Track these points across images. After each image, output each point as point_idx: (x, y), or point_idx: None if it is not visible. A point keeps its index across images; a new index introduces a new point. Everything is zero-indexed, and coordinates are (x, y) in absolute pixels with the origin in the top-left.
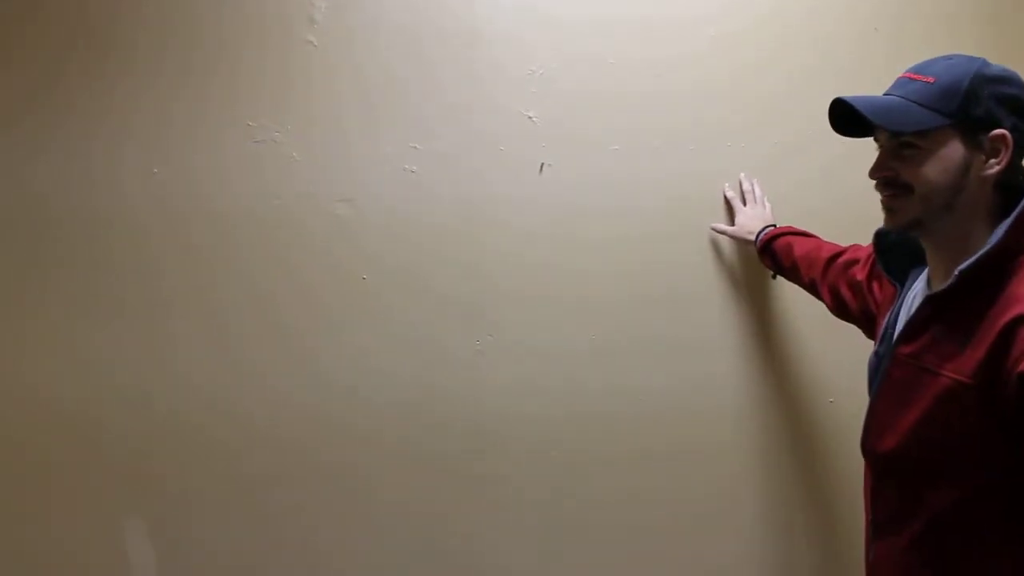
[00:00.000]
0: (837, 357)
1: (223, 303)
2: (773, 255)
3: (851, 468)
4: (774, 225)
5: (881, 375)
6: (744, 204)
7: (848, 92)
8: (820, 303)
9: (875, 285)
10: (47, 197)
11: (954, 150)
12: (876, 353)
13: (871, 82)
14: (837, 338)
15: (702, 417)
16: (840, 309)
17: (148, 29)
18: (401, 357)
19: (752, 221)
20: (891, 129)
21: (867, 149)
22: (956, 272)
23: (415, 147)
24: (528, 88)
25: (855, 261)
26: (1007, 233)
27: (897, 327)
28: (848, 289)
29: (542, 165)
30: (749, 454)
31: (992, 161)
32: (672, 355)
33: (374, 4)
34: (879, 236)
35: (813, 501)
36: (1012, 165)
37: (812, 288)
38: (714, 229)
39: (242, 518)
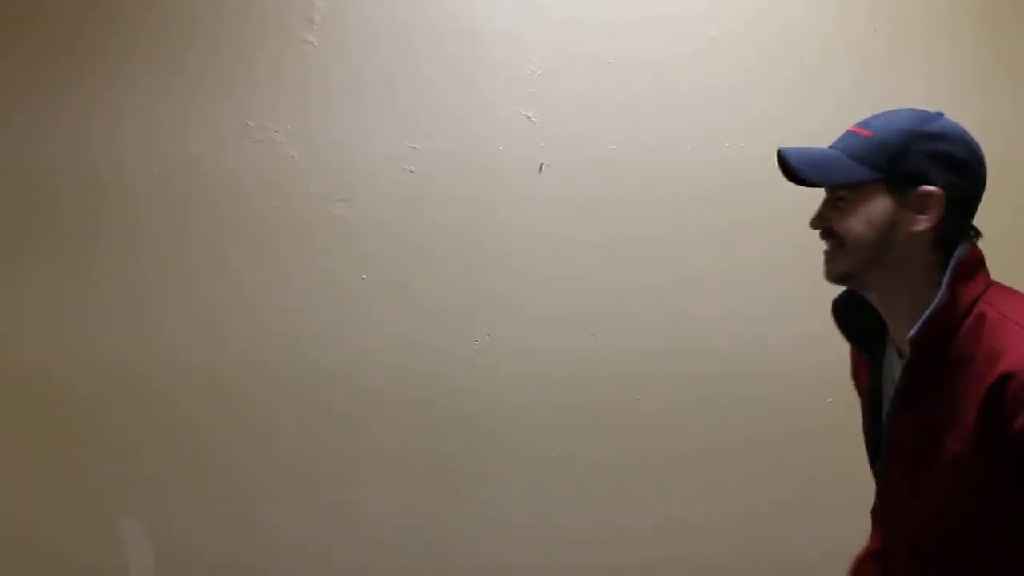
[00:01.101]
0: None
1: (221, 302)
2: None
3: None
4: None
5: (886, 452)
6: None
7: (847, 93)
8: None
9: (861, 370)
10: (43, 196)
11: (882, 204)
12: (867, 432)
13: (870, 83)
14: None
15: (701, 419)
16: None
17: (147, 29)
18: (399, 356)
19: None
20: (813, 182)
21: None
22: (908, 341)
23: (414, 147)
24: (527, 88)
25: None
26: (948, 290)
27: (884, 398)
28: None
29: (541, 165)
30: (749, 460)
31: (921, 217)
32: (671, 356)
33: (373, 5)
34: (836, 305)
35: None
36: (953, 222)
37: None
38: None
39: (237, 519)
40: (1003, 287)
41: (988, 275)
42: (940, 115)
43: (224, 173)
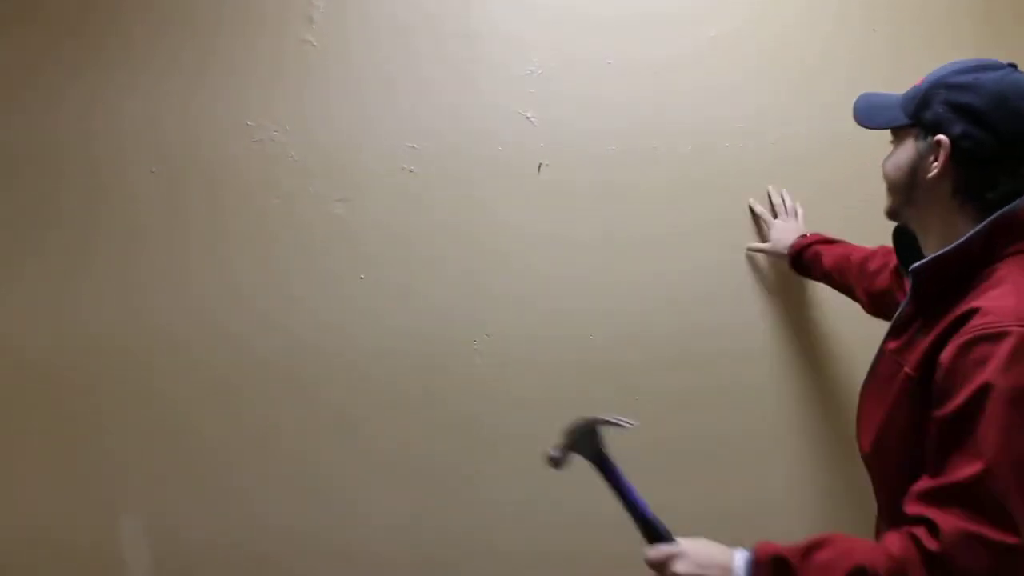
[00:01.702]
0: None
1: (220, 301)
2: (804, 267)
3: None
4: (805, 235)
5: (869, 371)
6: (775, 217)
7: (847, 93)
8: (832, 298)
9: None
10: (48, 192)
11: (907, 149)
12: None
13: (870, 83)
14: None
15: (705, 421)
16: (877, 311)
17: (146, 27)
18: (398, 356)
19: (785, 234)
20: (862, 124)
21: (867, 150)
22: (909, 270)
23: (413, 147)
24: (526, 88)
25: (883, 267)
26: (968, 240)
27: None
28: (881, 295)
29: (540, 165)
30: (756, 463)
31: (934, 164)
32: (669, 355)
33: (372, 4)
34: (896, 234)
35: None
36: (971, 172)
37: (850, 294)
38: (750, 249)
39: (235, 524)
40: None
41: None
42: (998, 66)
43: (223, 172)
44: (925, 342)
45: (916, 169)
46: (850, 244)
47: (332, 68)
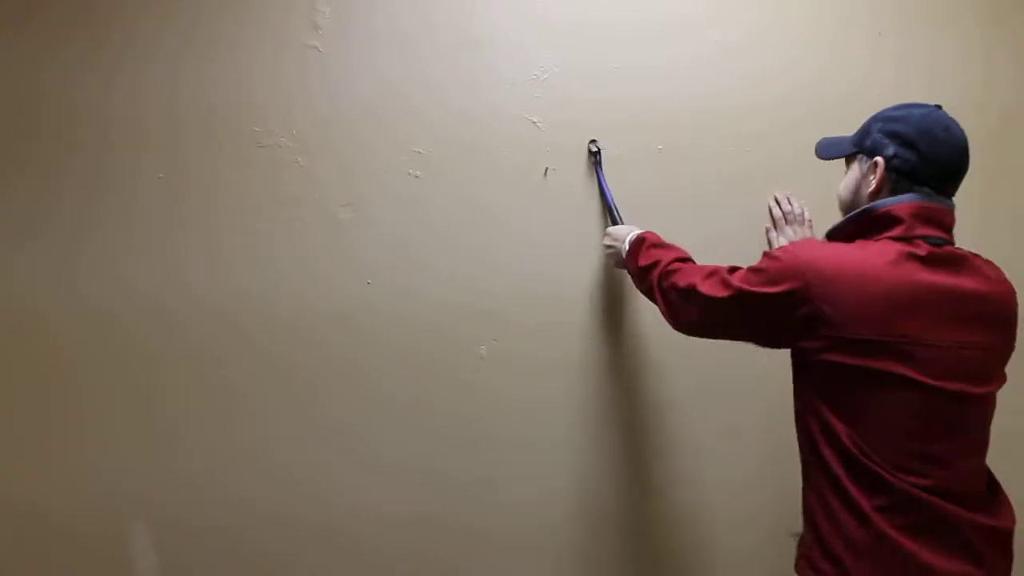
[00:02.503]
0: None
1: (226, 307)
2: None
3: None
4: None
5: None
6: (786, 223)
7: (852, 97)
8: None
9: None
10: (49, 199)
11: (853, 172)
12: None
13: (876, 85)
14: None
15: (710, 423)
16: None
17: (150, 31)
18: (404, 361)
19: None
20: (821, 157)
21: None
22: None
23: (418, 152)
24: (532, 93)
25: None
26: (840, 224)
27: None
28: None
29: (546, 169)
30: (762, 462)
31: (870, 180)
32: (677, 360)
33: (378, 11)
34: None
35: None
36: (903, 186)
37: None
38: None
39: (246, 515)
40: (875, 242)
41: (897, 230)
42: (925, 105)
43: (229, 178)
44: None
45: (859, 186)
46: None
47: (338, 74)
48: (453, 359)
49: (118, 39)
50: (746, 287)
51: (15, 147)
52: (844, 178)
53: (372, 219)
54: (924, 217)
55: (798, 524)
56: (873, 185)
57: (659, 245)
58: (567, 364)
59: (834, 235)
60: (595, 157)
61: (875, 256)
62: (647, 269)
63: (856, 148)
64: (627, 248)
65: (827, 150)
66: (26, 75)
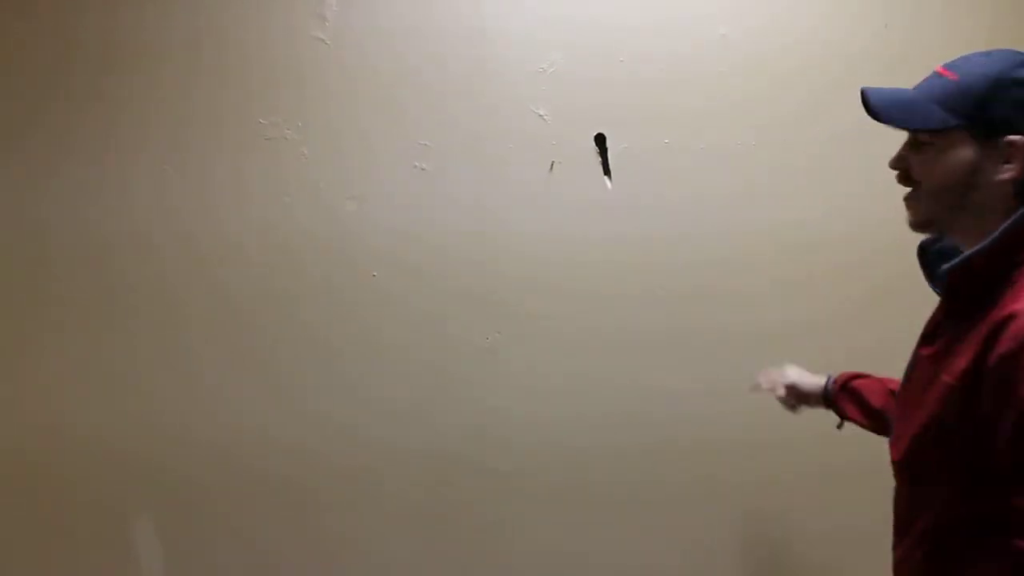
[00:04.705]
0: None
1: (232, 299)
2: (857, 395)
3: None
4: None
5: (904, 378)
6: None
7: (855, 89)
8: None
9: None
10: (60, 193)
11: (964, 152)
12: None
13: (883, 75)
14: (863, 337)
15: (714, 415)
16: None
17: (158, 26)
18: (411, 353)
19: (806, 375)
20: (893, 125)
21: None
22: (942, 270)
23: (425, 144)
24: (539, 86)
25: None
26: (998, 236)
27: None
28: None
29: (552, 163)
30: (762, 452)
31: (1006, 167)
32: (684, 353)
33: (384, 3)
34: (922, 249)
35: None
36: None
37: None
38: (766, 387)
39: (253, 517)
40: None
41: None
42: None
43: (235, 170)
44: (966, 349)
45: (976, 172)
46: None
47: (344, 66)
48: (458, 350)
49: (128, 42)
50: None
51: None
52: (933, 157)
53: (378, 211)
54: None
55: None
56: (1011, 172)
57: None
58: (573, 356)
59: (987, 257)
60: (602, 151)
61: None
62: None
63: (968, 120)
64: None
65: (907, 114)
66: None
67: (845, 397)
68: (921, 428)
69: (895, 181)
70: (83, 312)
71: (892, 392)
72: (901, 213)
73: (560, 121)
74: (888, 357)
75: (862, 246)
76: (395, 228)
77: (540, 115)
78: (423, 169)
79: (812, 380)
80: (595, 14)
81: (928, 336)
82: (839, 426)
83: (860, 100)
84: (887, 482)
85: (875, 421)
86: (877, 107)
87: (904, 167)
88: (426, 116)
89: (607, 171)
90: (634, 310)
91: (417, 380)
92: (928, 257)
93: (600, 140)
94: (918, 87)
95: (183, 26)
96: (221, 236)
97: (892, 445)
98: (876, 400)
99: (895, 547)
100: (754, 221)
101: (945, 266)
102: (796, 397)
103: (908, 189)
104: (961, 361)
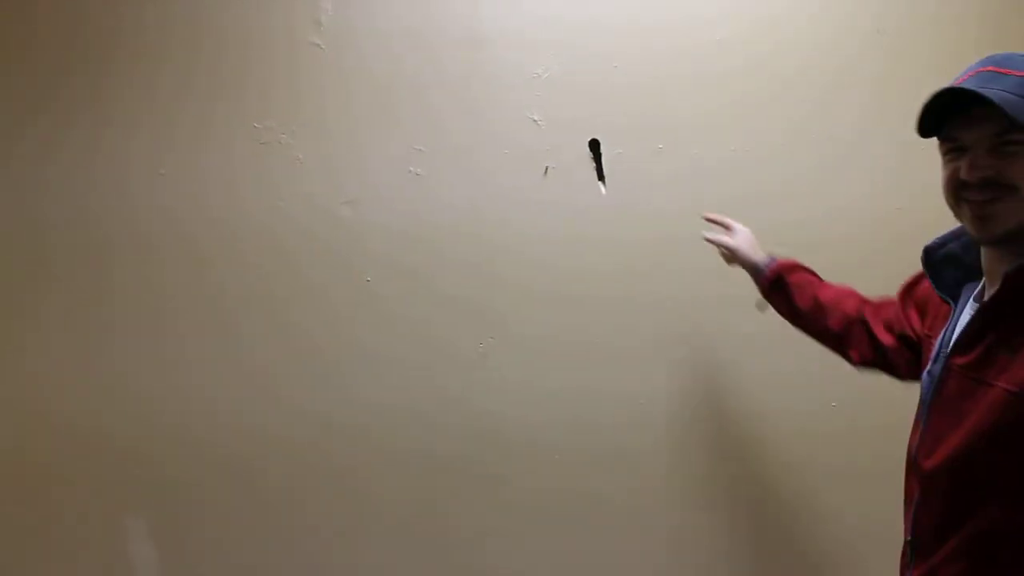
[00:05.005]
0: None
1: (226, 303)
2: (787, 291)
3: (852, 470)
4: (773, 257)
5: (934, 389)
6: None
7: (848, 94)
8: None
9: (912, 312)
10: (53, 198)
11: None
12: (928, 372)
13: (870, 81)
14: None
15: (706, 419)
16: (870, 355)
17: (154, 31)
18: (404, 358)
19: (751, 246)
20: (1021, 121)
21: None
22: (1002, 275)
23: (420, 149)
24: (533, 91)
25: (889, 303)
26: None
27: (952, 341)
28: (884, 329)
29: (546, 168)
30: (757, 456)
31: None
32: (678, 357)
33: (379, 8)
34: (928, 253)
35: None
36: None
37: (837, 337)
38: (710, 241)
39: (245, 519)
40: None
41: None
42: None
43: (231, 174)
44: None
45: None
46: (846, 286)
47: (339, 71)
48: (452, 356)
49: (125, 45)
50: None
51: None
52: (1019, 161)
53: (373, 216)
54: None
55: None
56: None
57: None
58: (567, 361)
59: None
60: (596, 156)
61: None
62: None
63: None
64: None
65: (1012, 109)
66: (46, 82)
67: (775, 291)
68: (972, 436)
69: (889, 184)
70: (77, 311)
71: (818, 299)
72: (897, 215)
73: (554, 126)
74: None
75: (862, 247)
76: (389, 233)
77: (535, 120)
78: (417, 174)
79: (751, 258)
80: (590, 20)
81: (962, 345)
82: (760, 304)
83: (938, 98)
84: (888, 482)
85: (796, 320)
86: (1005, 107)
87: (991, 173)
88: (420, 121)
89: (601, 176)
90: (630, 315)
91: (410, 385)
92: (934, 262)
93: (594, 145)
94: (985, 86)
95: (182, 28)
96: (215, 239)
97: (924, 453)
98: (802, 303)
99: (917, 560)
100: (749, 225)
101: (1007, 269)
102: (734, 260)
103: (971, 200)
104: (1022, 371)
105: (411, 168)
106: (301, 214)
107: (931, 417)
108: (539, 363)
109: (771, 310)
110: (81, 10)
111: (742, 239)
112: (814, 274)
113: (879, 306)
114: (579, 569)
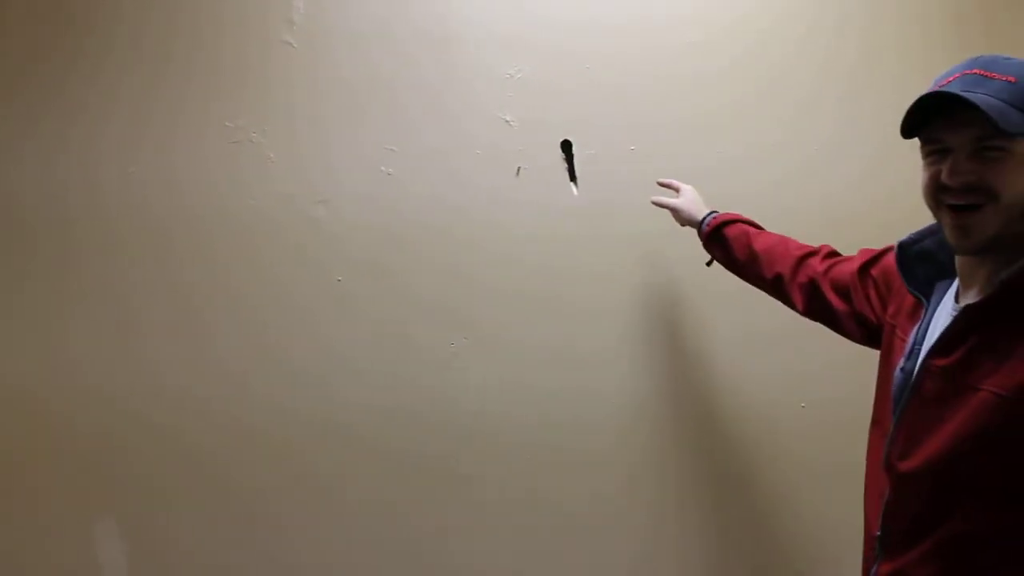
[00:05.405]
0: (812, 362)
1: (197, 302)
2: (724, 242)
3: (824, 472)
4: (715, 212)
5: (910, 389)
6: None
7: (820, 92)
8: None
9: (872, 292)
10: (20, 196)
11: None
12: (902, 369)
13: (845, 81)
14: (813, 343)
15: (681, 418)
16: (818, 310)
17: (125, 28)
18: (376, 358)
19: (694, 204)
20: (1009, 130)
21: (843, 146)
22: (998, 280)
23: (392, 149)
24: (505, 91)
25: (838, 262)
26: None
27: (927, 341)
28: (833, 291)
29: (519, 169)
30: (749, 456)
31: None
32: (650, 356)
33: (353, 7)
34: (902, 249)
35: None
36: None
37: (773, 285)
38: (656, 203)
39: (214, 516)
40: None
41: None
42: None
43: (202, 173)
44: (1017, 364)
45: None
46: (781, 235)
47: (312, 70)
48: (424, 356)
49: (95, 42)
50: None
51: None
52: (1020, 164)
53: (345, 216)
54: None
55: None
56: None
57: None
58: (540, 361)
59: None
60: (568, 157)
61: None
62: None
63: None
64: None
65: (997, 114)
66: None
67: (714, 243)
68: (955, 439)
69: (868, 186)
70: (45, 309)
71: (752, 248)
72: (876, 214)
73: (527, 127)
74: None
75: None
76: (361, 232)
77: (507, 121)
78: (389, 174)
79: (691, 214)
80: (562, 21)
81: (942, 347)
82: (708, 263)
83: (922, 102)
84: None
85: (737, 270)
86: (991, 109)
87: (972, 179)
88: (393, 121)
89: (573, 177)
90: (603, 314)
91: (381, 385)
92: (907, 257)
93: (566, 147)
94: (968, 90)
95: (149, 28)
96: (186, 237)
97: (898, 453)
98: (740, 254)
99: (885, 557)
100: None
101: (1003, 275)
102: (677, 219)
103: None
104: (1011, 376)
105: (383, 168)
106: (272, 213)
107: (905, 417)
108: (512, 363)
109: (717, 265)
110: (56, 12)
111: (685, 199)
112: (754, 224)
113: (830, 265)
114: (552, 569)
